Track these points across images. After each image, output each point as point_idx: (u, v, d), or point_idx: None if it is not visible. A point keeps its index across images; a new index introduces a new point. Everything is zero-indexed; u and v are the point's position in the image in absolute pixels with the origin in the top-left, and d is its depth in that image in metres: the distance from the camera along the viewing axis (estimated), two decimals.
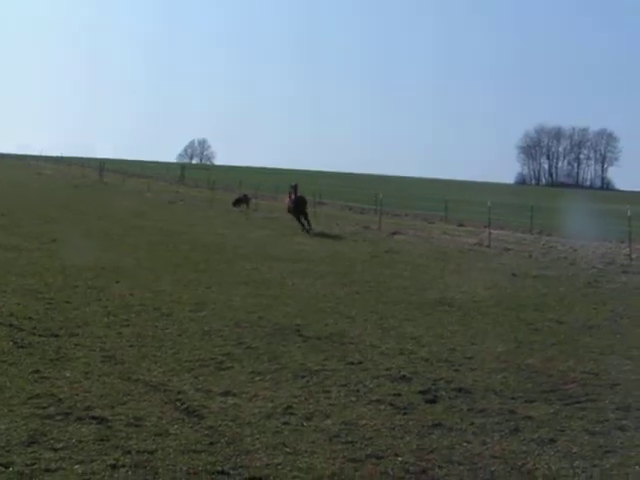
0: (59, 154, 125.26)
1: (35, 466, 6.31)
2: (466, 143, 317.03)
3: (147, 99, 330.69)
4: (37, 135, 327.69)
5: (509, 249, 28.35)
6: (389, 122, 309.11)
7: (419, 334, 12.14)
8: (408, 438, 7.43)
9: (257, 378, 9.34)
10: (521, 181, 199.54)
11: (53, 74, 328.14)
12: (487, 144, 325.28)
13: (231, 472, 6.44)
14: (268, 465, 6.63)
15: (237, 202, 43.82)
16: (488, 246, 28.91)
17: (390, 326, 12.73)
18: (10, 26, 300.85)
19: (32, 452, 6.58)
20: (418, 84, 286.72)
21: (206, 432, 7.37)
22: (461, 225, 40.97)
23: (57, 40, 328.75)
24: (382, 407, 8.39)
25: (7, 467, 6.25)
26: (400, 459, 6.88)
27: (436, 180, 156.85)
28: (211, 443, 7.08)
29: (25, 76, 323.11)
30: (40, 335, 10.75)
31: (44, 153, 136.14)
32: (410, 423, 7.88)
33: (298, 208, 30.95)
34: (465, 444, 7.32)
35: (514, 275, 20.34)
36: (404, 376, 9.60)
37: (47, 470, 6.25)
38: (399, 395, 8.84)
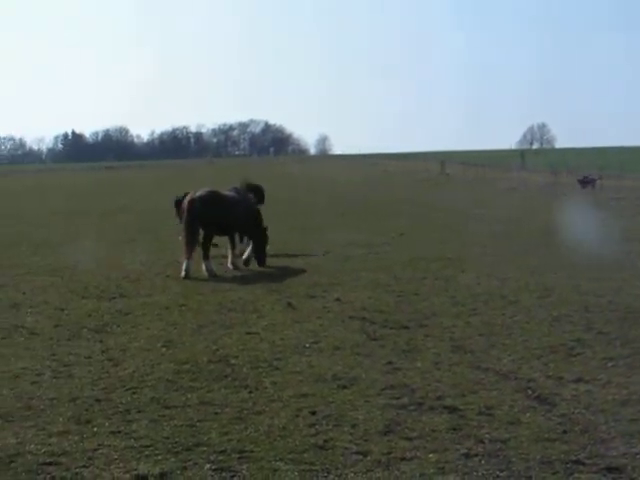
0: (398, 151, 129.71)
1: (391, 455, 6.52)
2: None
3: (475, 90, 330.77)
4: (361, 135, 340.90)
5: None
6: None
7: None
8: None
9: (610, 364, 8.97)
10: None
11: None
12: None
13: (586, 462, 6.23)
14: (625, 454, 6.32)
15: (582, 183, 43.22)
16: None
17: None
18: None
19: (388, 441, 6.81)
20: None
21: (559, 420, 7.20)
22: None
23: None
24: None
25: (365, 455, 6.52)
26: None
27: None
28: (564, 432, 6.91)
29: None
30: (391, 327, 11.11)
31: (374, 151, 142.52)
32: None
33: None
34: None
35: None
36: None
37: (403, 459, 6.44)
38: None
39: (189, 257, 16.23)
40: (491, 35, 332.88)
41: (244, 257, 17.64)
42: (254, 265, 17.43)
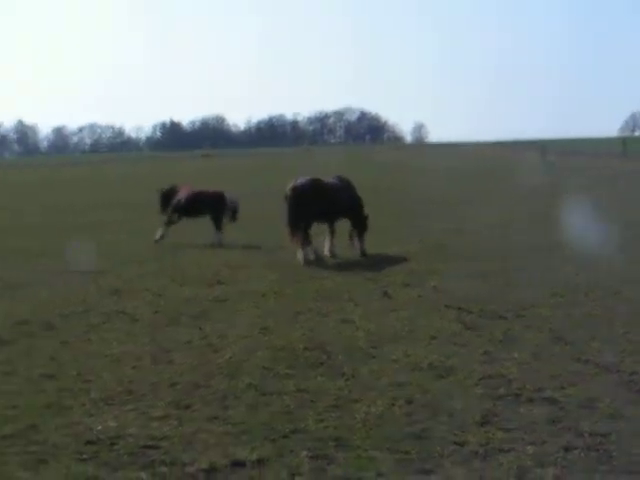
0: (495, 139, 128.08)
1: (489, 446, 6.45)
2: None
3: (575, 76, 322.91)
4: (457, 123, 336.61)
5: None
6: None
7: None
8: None
9: None
10: None
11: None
12: None
13: None
14: None
15: None
16: None
17: None
18: None
19: (485, 432, 6.74)
20: None
21: None
22: None
23: None
24: None
25: (462, 445, 6.47)
26: None
27: None
28: None
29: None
30: (488, 317, 10.97)
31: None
32: None
33: None
34: None
35: None
36: None
37: (500, 450, 6.37)
38: None
39: (303, 244, 16.51)
40: (588, 20, 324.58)
41: (360, 248, 17.55)
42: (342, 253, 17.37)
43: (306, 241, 16.71)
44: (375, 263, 16.24)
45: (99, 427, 7.08)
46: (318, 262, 16.47)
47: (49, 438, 6.89)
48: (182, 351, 9.73)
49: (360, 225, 17.63)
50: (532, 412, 7.18)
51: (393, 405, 7.48)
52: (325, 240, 17.60)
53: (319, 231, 17.79)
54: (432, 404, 7.47)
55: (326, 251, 17.46)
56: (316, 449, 6.48)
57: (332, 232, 17.65)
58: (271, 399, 7.78)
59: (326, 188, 17.32)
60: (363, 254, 17.35)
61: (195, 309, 12.12)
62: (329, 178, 18.01)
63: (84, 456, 6.48)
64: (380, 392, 7.88)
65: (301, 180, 17.20)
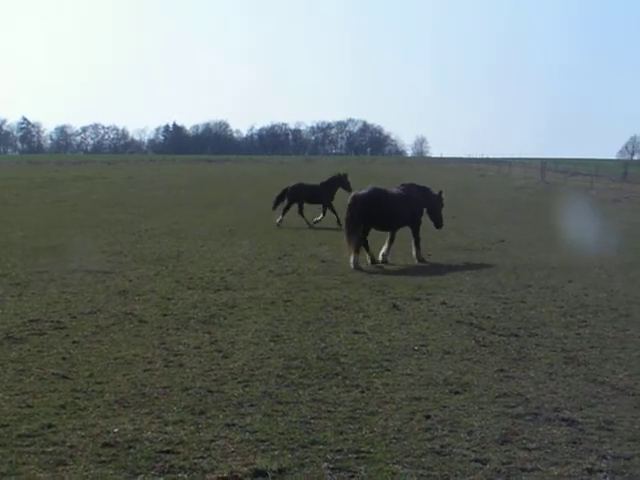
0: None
1: (511, 465, 6.39)
2: None
3: (576, 97, 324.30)
4: (459, 138, 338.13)
5: None
6: None
7: None
8: None
9: None
10: None
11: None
12: None
13: None
14: None
15: None
16: None
17: None
18: None
19: (506, 451, 6.68)
20: None
21: None
22: None
23: None
24: None
25: (484, 464, 6.40)
26: None
27: None
28: None
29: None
30: (500, 334, 10.93)
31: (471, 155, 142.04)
32: None
33: None
34: None
35: None
36: None
37: (523, 470, 6.31)
38: None
39: (355, 251, 17.25)
40: (593, 39, 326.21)
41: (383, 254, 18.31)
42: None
43: (361, 248, 17.50)
44: (382, 275, 16.22)
45: (115, 430, 7.02)
46: (326, 272, 16.41)
47: (66, 439, 6.82)
48: (192, 356, 9.68)
49: (416, 235, 18.55)
50: (552, 432, 7.12)
51: (411, 419, 7.42)
52: (383, 246, 18.33)
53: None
54: (450, 420, 7.41)
55: (380, 256, 18.12)
56: (337, 461, 6.41)
57: (391, 240, 18.47)
58: (287, 408, 7.71)
59: (386, 198, 18.15)
60: (421, 261, 18.23)
61: (203, 313, 12.07)
62: (395, 188, 19.03)
63: (102, 459, 6.41)
64: (397, 406, 7.82)
65: (364, 190, 18.24)
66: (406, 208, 18.40)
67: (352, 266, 16.96)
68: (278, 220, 26.08)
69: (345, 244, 17.64)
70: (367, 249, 17.80)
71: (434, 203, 19.49)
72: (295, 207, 26.97)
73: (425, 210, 19.34)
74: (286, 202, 26.86)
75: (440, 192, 19.74)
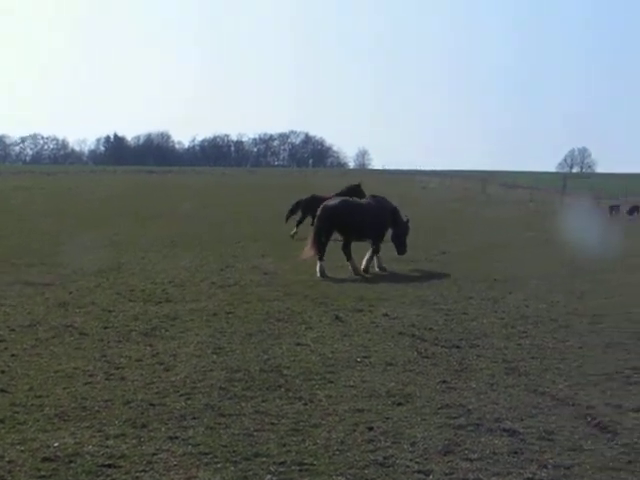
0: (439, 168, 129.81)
1: (453, 475, 6.43)
2: None
3: (517, 110, 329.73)
4: (400, 151, 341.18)
5: None
6: None
7: None
8: None
9: None
10: None
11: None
12: None
13: None
14: None
15: (630, 211, 43.77)
16: None
17: None
18: None
19: (449, 461, 6.71)
20: None
21: (622, 450, 7.07)
22: None
23: None
24: None
25: (427, 475, 6.43)
26: None
27: None
28: (629, 462, 6.76)
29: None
30: (442, 346, 11.00)
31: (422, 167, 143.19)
32: None
33: None
34: None
35: None
36: None
37: None
38: None
39: (320, 258, 17.73)
40: (537, 56, 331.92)
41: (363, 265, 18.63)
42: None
43: (323, 256, 17.78)
44: (325, 287, 16.22)
45: (56, 444, 6.89)
46: (268, 283, 16.39)
47: (5, 454, 6.68)
48: (134, 368, 9.57)
49: (376, 245, 18.80)
50: (493, 442, 7.17)
51: (354, 431, 7.42)
52: (366, 257, 18.64)
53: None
54: (393, 431, 7.43)
55: (376, 267, 18.72)
56: (280, 473, 6.38)
57: (374, 250, 18.75)
58: (230, 421, 7.66)
59: (354, 208, 18.64)
60: (364, 271, 18.39)
61: (145, 326, 11.95)
62: (364, 199, 19.82)
63: (42, 473, 6.29)
64: (340, 417, 7.82)
65: (333, 201, 18.88)
66: (373, 217, 18.70)
67: (318, 274, 17.37)
68: (292, 232, 26.46)
69: (308, 251, 17.98)
70: (321, 258, 17.82)
71: (401, 228, 19.63)
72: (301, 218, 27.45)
73: (391, 232, 19.56)
74: (300, 215, 27.36)
75: (407, 220, 19.82)
